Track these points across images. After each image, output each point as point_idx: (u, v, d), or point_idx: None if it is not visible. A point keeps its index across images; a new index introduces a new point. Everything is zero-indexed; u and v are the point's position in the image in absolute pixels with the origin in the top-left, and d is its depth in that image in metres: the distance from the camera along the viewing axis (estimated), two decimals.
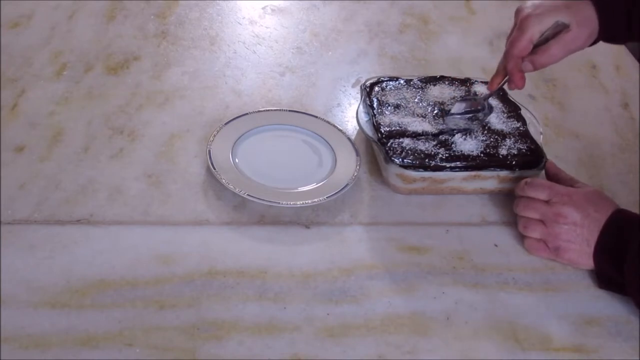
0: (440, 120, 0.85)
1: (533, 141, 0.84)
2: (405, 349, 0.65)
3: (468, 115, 0.85)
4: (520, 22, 0.78)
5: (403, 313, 0.68)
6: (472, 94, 0.88)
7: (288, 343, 0.64)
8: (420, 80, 0.91)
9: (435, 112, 0.86)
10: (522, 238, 0.76)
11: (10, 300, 0.65)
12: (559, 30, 0.77)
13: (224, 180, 0.77)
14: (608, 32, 0.79)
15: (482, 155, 0.81)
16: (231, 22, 1.11)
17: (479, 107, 0.85)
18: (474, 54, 1.09)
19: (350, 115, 0.94)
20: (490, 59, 1.09)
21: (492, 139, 0.83)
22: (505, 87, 0.84)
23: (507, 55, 0.80)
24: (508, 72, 0.80)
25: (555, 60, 0.78)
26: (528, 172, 0.80)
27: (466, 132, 0.83)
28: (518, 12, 0.80)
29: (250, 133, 0.86)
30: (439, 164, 0.79)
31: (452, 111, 0.84)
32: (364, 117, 0.86)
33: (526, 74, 0.81)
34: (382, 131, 0.82)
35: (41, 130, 0.85)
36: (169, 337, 0.63)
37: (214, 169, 0.79)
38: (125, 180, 0.80)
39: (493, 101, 0.89)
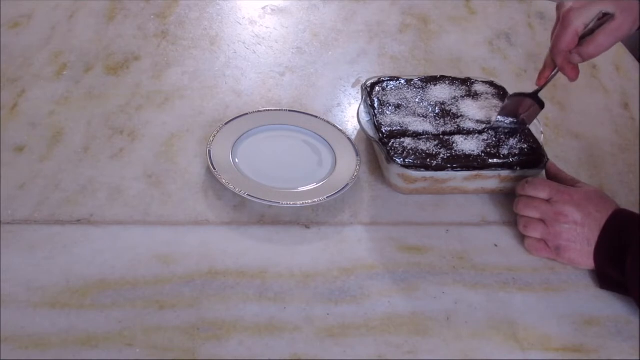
0: (442, 121, 0.85)
1: (534, 140, 0.84)
2: (405, 349, 0.65)
3: (518, 115, 0.84)
4: (564, 17, 0.77)
5: (403, 313, 0.68)
6: (510, 94, 0.88)
7: (288, 343, 0.64)
8: (421, 80, 0.91)
9: (437, 112, 0.86)
10: (522, 238, 0.76)
11: (10, 300, 0.65)
12: (604, 20, 0.77)
13: (224, 180, 0.77)
14: None
15: (483, 154, 0.81)
16: (231, 22, 1.11)
17: (529, 105, 0.84)
18: (474, 54, 1.09)
19: (350, 115, 0.94)
20: (491, 59, 1.09)
21: (493, 139, 0.83)
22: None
23: (554, 51, 0.79)
24: (559, 67, 0.80)
25: (603, 49, 0.77)
26: (529, 172, 0.80)
27: (514, 131, 0.84)
28: (560, 7, 0.79)
29: (250, 133, 0.86)
30: (440, 163, 0.79)
31: (501, 112, 0.84)
32: (365, 117, 0.86)
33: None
34: (384, 131, 0.83)
35: (41, 130, 0.85)
36: (169, 337, 0.63)
37: (214, 169, 0.79)
38: (125, 180, 0.80)
39: (494, 100, 0.89)
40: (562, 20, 0.78)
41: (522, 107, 0.84)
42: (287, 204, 0.76)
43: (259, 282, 0.70)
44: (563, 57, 0.79)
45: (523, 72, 1.06)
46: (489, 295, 0.71)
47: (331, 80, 1.00)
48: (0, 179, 0.78)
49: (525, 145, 0.83)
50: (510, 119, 0.84)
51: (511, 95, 0.85)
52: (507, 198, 0.82)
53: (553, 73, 0.82)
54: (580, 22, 0.76)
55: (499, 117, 0.84)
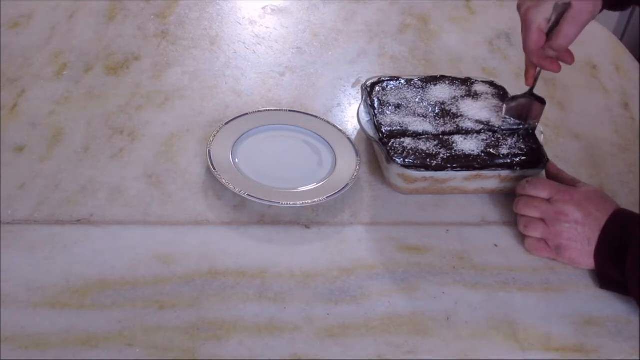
0: (441, 121, 0.85)
1: (534, 140, 0.84)
2: (405, 349, 0.65)
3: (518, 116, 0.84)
4: (524, 17, 0.77)
5: (403, 313, 0.68)
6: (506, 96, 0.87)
7: (288, 343, 0.64)
8: (421, 80, 0.91)
9: (437, 112, 0.86)
10: (522, 238, 0.76)
11: (10, 300, 0.65)
12: (564, 9, 0.76)
13: (224, 180, 0.77)
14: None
15: (483, 154, 0.81)
16: (231, 22, 1.11)
17: (530, 105, 0.84)
18: (474, 54, 1.09)
19: (350, 115, 0.94)
20: (491, 59, 1.09)
21: (493, 139, 0.83)
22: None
23: (526, 52, 0.79)
24: (538, 65, 0.79)
25: (571, 38, 0.77)
26: (529, 172, 0.80)
27: (518, 132, 0.84)
28: (519, 7, 0.79)
29: (250, 133, 0.86)
30: (440, 163, 0.79)
31: (505, 113, 0.84)
32: (365, 117, 0.86)
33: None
34: (384, 131, 0.83)
35: (41, 130, 0.85)
36: (169, 337, 0.63)
37: (214, 169, 0.79)
38: (125, 180, 0.80)
39: (494, 100, 0.89)
40: (523, 22, 0.78)
41: (523, 108, 0.84)
42: (287, 204, 0.76)
43: (259, 282, 0.70)
44: (538, 55, 0.78)
45: (523, 72, 1.05)
46: (489, 295, 0.71)
47: (331, 80, 1.00)
48: (0, 179, 0.78)
49: (525, 145, 0.83)
50: (515, 121, 0.84)
51: (510, 99, 0.85)
52: (507, 198, 0.82)
53: (537, 71, 0.82)
54: (540, 18, 0.76)
55: (505, 116, 0.84)
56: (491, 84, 0.93)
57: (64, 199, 0.76)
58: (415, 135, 0.83)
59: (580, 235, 0.71)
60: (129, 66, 0.98)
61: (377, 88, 0.89)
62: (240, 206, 0.78)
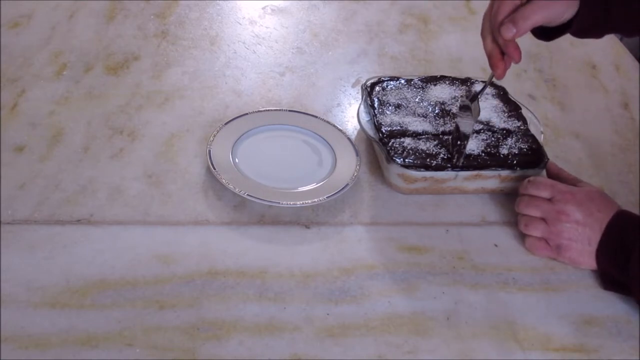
0: (441, 121, 0.85)
1: (534, 140, 0.84)
2: (405, 349, 0.65)
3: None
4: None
5: (403, 313, 0.68)
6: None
7: (288, 343, 0.64)
8: (421, 80, 0.91)
9: (437, 112, 0.86)
10: (522, 238, 0.76)
11: (10, 300, 0.65)
12: None
13: (224, 180, 0.77)
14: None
15: (483, 154, 0.81)
16: (231, 22, 1.11)
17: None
18: (474, 54, 1.09)
19: (350, 115, 0.94)
20: None
21: (493, 139, 0.83)
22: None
23: (495, 23, 0.71)
24: (503, 45, 0.71)
25: (533, 21, 0.70)
26: (529, 172, 0.80)
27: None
28: None
29: (250, 133, 0.86)
30: (440, 163, 0.79)
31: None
32: (365, 117, 0.86)
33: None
34: (384, 131, 0.83)
35: (41, 130, 0.85)
36: (169, 337, 0.63)
37: (214, 169, 0.79)
38: (125, 180, 0.80)
39: (494, 100, 0.89)
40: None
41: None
42: (287, 204, 0.76)
43: (259, 282, 0.70)
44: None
45: (523, 72, 1.06)
46: (489, 295, 0.71)
47: (331, 80, 1.00)
48: (0, 179, 0.78)
49: (525, 145, 0.83)
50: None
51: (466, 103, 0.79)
52: (508, 198, 0.82)
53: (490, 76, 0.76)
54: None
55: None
56: (491, 83, 0.93)
57: (64, 199, 0.76)
58: (415, 135, 0.83)
59: (580, 236, 0.71)
60: (129, 66, 0.98)
61: (377, 88, 0.89)
62: (240, 206, 0.78)
